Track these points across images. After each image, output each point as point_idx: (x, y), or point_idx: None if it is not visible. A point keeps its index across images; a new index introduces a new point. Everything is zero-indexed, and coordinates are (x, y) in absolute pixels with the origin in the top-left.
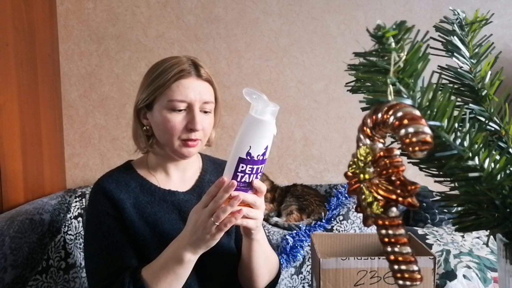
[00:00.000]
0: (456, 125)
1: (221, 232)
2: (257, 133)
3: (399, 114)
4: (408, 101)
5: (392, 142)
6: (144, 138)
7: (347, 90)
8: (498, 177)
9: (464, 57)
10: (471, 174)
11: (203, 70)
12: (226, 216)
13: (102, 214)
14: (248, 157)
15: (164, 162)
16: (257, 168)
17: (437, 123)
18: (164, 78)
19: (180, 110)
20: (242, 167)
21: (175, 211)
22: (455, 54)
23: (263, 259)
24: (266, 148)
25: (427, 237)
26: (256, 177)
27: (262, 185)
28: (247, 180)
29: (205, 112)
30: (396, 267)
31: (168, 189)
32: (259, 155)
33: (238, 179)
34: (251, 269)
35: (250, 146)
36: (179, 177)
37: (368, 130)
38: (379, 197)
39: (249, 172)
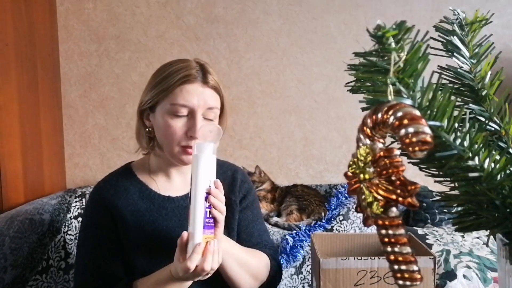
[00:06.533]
0: (456, 125)
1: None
2: (210, 168)
3: (399, 114)
4: (408, 101)
5: (392, 142)
6: (146, 139)
7: (347, 90)
8: (498, 177)
9: (464, 57)
10: (471, 174)
11: (210, 77)
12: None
13: (95, 223)
14: (208, 193)
15: (166, 165)
16: (211, 197)
17: (437, 123)
18: (168, 82)
19: (181, 116)
20: (207, 205)
21: (174, 217)
22: (455, 54)
23: (237, 266)
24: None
25: (427, 237)
26: (211, 207)
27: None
28: (211, 214)
29: (209, 119)
30: (396, 267)
31: (167, 196)
32: (211, 185)
33: (207, 216)
34: (228, 277)
35: (210, 180)
36: (181, 180)
37: (368, 130)
38: (379, 197)
39: (209, 205)
